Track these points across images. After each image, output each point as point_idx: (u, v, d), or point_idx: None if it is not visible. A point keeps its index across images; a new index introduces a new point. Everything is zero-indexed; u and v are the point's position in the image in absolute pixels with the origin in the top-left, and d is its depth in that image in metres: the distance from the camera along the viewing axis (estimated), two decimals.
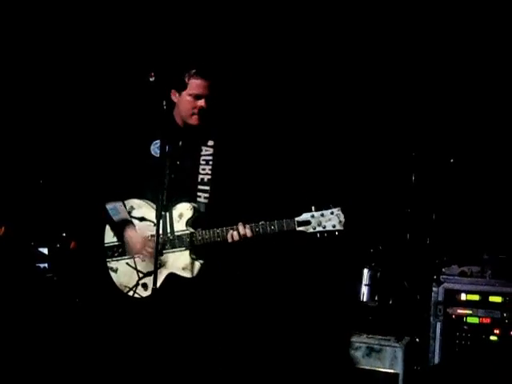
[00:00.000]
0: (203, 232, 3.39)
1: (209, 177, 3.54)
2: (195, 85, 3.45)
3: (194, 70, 3.46)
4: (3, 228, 4.56)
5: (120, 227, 3.52)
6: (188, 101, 3.48)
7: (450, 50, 4.63)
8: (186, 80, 3.45)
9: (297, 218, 3.27)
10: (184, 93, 3.49)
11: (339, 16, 4.76)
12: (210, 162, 3.56)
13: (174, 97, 3.53)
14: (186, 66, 3.51)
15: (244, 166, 3.67)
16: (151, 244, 3.39)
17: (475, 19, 4.55)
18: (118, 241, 3.56)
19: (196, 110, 3.48)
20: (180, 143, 3.55)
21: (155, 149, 3.55)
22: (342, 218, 3.21)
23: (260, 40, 4.86)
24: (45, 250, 4.86)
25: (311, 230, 3.25)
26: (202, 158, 3.58)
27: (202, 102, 3.46)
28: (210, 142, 3.61)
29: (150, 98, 3.42)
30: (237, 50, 4.84)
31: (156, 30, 4.86)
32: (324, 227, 3.22)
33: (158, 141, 3.53)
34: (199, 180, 3.54)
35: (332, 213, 3.23)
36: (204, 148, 3.59)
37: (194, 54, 4.32)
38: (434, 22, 4.65)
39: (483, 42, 4.53)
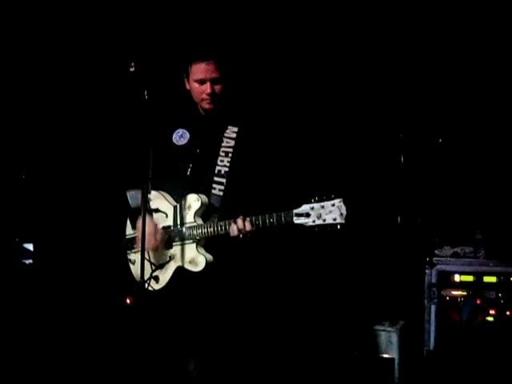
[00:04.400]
0: (208, 225, 3.27)
1: (226, 169, 3.42)
2: (197, 70, 3.36)
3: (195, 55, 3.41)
4: None
5: (137, 215, 3.39)
6: (195, 87, 3.40)
7: (438, 33, 4.55)
8: (190, 66, 3.40)
9: (295, 210, 3.02)
10: (191, 79, 3.43)
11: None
12: (230, 155, 3.44)
13: (187, 84, 3.48)
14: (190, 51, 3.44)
15: (262, 160, 3.49)
16: (158, 236, 3.33)
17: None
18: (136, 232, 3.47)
19: (205, 96, 3.38)
20: (200, 131, 3.47)
21: (177, 137, 3.49)
22: (344, 211, 2.91)
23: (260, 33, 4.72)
24: (30, 246, 4.77)
25: (310, 224, 2.99)
26: (222, 149, 3.45)
27: (207, 87, 3.36)
28: (234, 129, 3.49)
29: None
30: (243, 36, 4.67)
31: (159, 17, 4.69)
32: (324, 220, 2.95)
33: (180, 129, 3.49)
34: (216, 171, 3.42)
35: (333, 205, 2.94)
36: (225, 140, 3.47)
37: (196, 38, 4.21)
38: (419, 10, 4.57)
39: (471, 25, 4.46)
